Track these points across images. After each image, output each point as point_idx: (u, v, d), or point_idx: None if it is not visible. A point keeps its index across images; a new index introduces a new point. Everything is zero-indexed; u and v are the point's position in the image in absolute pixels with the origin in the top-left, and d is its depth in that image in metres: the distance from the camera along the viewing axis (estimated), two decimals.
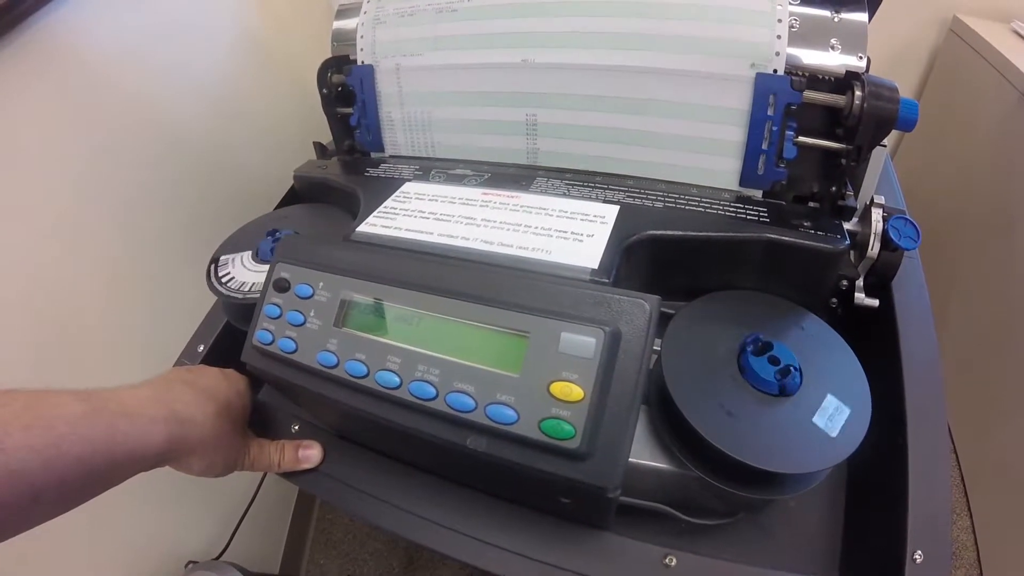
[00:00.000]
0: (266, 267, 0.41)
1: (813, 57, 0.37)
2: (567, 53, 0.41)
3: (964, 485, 0.93)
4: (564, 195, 0.39)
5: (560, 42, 0.42)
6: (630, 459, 0.28)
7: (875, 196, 0.38)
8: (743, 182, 0.40)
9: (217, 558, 0.71)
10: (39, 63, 0.49)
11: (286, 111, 0.82)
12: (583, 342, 0.24)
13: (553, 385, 0.25)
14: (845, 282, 0.37)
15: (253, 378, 0.38)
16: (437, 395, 0.27)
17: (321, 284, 0.31)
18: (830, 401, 0.30)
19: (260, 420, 0.39)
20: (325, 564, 0.99)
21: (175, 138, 0.64)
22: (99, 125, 0.56)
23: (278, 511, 0.95)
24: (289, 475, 0.38)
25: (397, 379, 0.27)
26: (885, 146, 0.38)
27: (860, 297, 0.37)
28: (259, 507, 0.71)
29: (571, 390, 0.24)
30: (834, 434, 0.28)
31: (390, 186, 0.43)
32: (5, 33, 0.46)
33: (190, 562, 0.68)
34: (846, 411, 0.29)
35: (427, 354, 0.28)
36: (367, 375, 0.28)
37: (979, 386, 0.90)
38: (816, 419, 0.29)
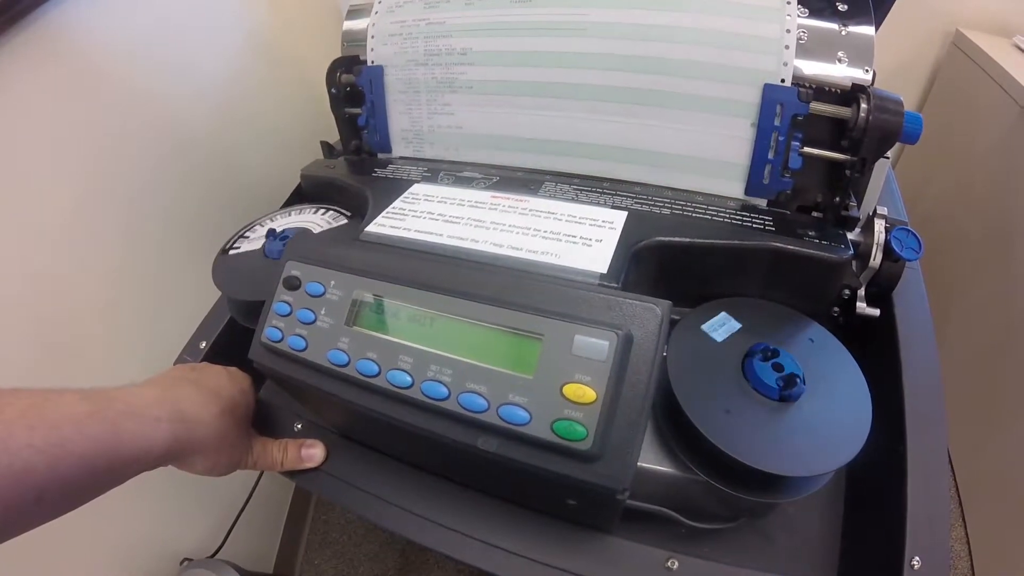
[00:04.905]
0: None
1: (820, 69, 0.38)
2: (580, 73, 0.42)
3: (959, 495, 0.94)
4: (573, 200, 0.39)
5: (573, 62, 0.42)
6: None
7: (878, 207, 0.39)
8: (749, 191, 0.40)
9: (212, 556, 0.71)
10: (42, 60, 0.49)
11: (291, 111, 0.82)
12: (596, 345, 0.25)
13: (566, 387, 0.25)
14: (847, 291, 0.38)
15: (255, 376, 0.38)
16: (449, 395, 0.27)
17: (333, 282, 0.32)
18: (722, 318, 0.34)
19: (262, 419, 0.39)
20: (320, 564, 0.99)
21: (179, 136, 0.64)
22: (103, 123, 0.56)
23: (274, 510, 0.95)
24: (291, 474, 0.38)
25: (409, 379, 0.28)
26: (888, 158, 0.38)
27: (861, 307, 0.37)
28: (255, 506, 0.70)
29: (584, 392, 0.24)
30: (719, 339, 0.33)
31: (398, 187, 0.43)
32: (7, 29, 0.45)
33: (185, 559, 0.68)
34: (736, 325, 0.34)
35: (440, 354, 0.28)
36: (378, 374, 0.28)
37: (975, 397, 0.91)
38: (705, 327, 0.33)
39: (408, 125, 0.50)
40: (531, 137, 0.45)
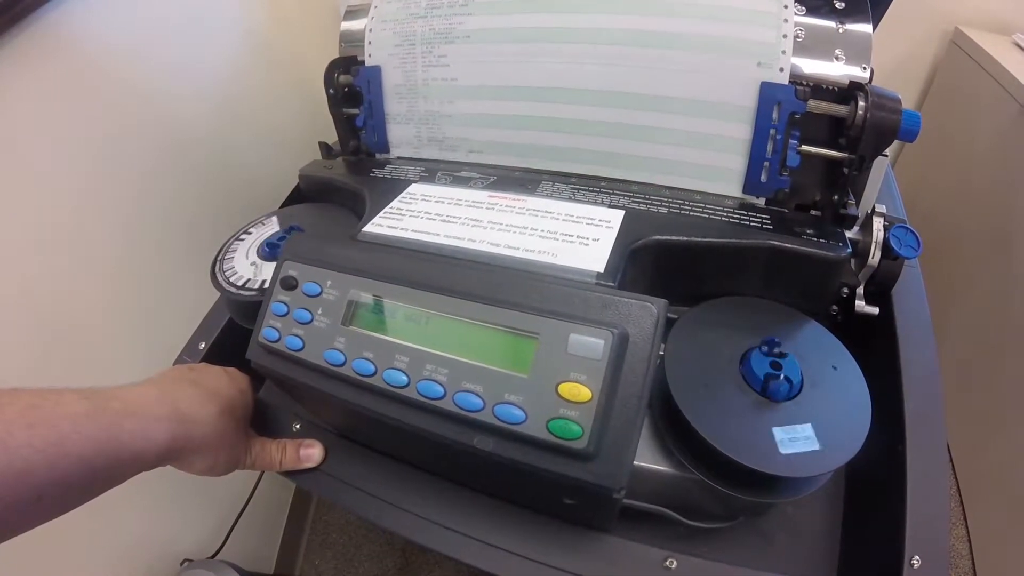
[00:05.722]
0: (267, 264, 0.42)
1: (817, 67, 0.38)
2: (577, 49, 0.42)
3: (960, 495, 0.94)
4: (570, 199, 0.39)
5: (570, 38, 0.42)
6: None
7: (876, 205, 0.39)
8: (746, 189, 0.40)
9: (212, 556, 0.71)
10: (42, 60, 0.49)
11: (290, 111, 0.82)
12: (591, 344, 0.25)
13: (561, 386, 0.25)
14: (846, 290, 0.37)
15: (254, 376, 0.38)
16: (445, 394, 0.27)
17: (329, 282, 0.32)
18: (804, 429, 0.29)
19: (261, 419, 0.39)
20: (320, 565, 0.99)
21: (179, 137, 0.64)
22: (102, 123, 0.56)
23: (274, 511, 0.95)
24: (290, 474, 0.38)
25: (405, 378, 0.28)
26: (887, 156, 0.38)
27: (860, 305, 0.37)
28: (255, 506, 0.71)
29: (579, 391, 0.24)
30: (783, 451, 0.28)
31: (396, 187, 0.43)
32: (7, 29, 0.46)
33: (186, 560, 0.68)
34: (815, 446, 0.28)
35: (436, 354, 0.28)
36: (374, 374, 0.28)
37: (976, 396, 0.90)
38: (777, 432, 0.28)
39: (401, 80, 0.49)
40: (526, 85, 0.44)
